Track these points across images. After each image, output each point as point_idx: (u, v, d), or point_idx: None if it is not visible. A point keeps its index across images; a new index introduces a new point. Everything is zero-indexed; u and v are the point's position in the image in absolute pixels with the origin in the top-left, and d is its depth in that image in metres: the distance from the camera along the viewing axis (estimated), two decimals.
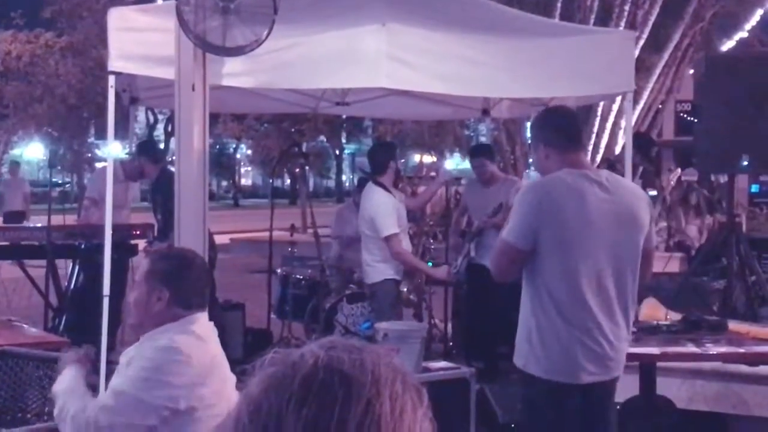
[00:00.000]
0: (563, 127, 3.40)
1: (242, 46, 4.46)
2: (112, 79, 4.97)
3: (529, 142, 3.58)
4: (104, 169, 7.32)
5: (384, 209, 5.79)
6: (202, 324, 2.75)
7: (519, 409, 3.59)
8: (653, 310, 4.67)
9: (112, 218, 5.11)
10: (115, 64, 4.93)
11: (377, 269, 5.88)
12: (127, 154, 7.21)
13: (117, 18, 4.97)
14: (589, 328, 3.23)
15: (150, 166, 7.14)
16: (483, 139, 20.67)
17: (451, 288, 6.77)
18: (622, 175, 5.75)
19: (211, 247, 6.02)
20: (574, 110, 3.58)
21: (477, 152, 6.92)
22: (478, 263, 6.37)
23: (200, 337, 2.69)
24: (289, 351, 1.04)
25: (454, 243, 6.77)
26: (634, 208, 3.33)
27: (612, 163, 6.40)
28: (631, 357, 3.59)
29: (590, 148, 12.71)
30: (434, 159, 30.47)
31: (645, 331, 4.31)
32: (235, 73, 4.95)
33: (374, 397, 1.00)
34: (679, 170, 6.42)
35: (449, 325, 6.93)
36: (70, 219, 7.57)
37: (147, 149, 7.50)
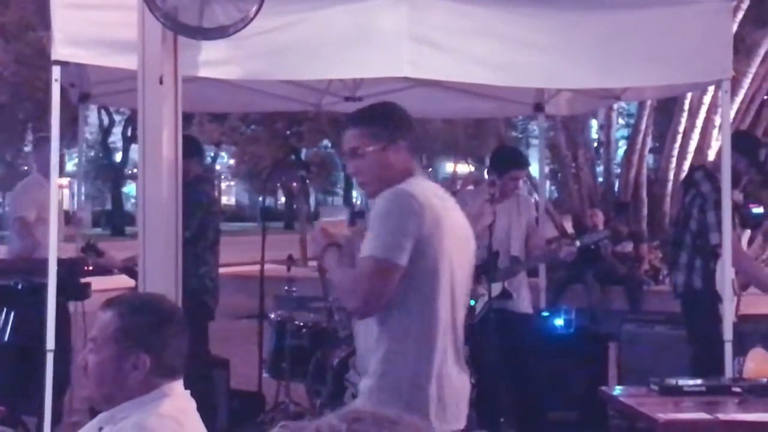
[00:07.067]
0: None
1: (225, 27, 4.49)
2: (56, 71, 5.01)
3: None
4: (33, 179, 7.38)
5: None
6: (178, 397, 2.73)
7: None
8: (762, 364, 4.62)
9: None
10: (60, 51, 4.97)
11: None
12: (75, 166, 7.23)
13: None
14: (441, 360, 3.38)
15: None
16: (535, 142, 20.64)
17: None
18: (720, 187, 5.71)
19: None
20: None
21: (524, 162, 7.11)
22: (508, 310, 6.42)
23: (177, 418, 2.66)
24: (302, 425, 1.05)
25: None
26: None
27: (709, 171, 6.33)
28: (735, 426, 3.56)
29: (676, 151, 12.70)
30: (472, 168, 30.45)
31: (752, 393, 4.27)
32: (215, 61, 4.98)
33: None
34: None
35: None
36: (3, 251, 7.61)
37: None
